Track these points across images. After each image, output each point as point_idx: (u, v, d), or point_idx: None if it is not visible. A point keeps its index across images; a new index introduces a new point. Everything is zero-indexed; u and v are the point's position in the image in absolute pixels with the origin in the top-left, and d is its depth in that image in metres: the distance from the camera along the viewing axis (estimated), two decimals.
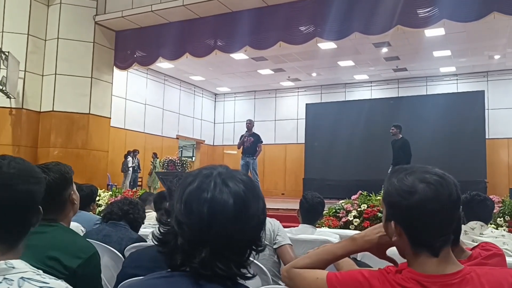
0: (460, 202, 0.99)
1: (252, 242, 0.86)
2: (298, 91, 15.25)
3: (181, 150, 18.10)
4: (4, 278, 0.86)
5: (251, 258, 0.88)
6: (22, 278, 0.88)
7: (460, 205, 1.00)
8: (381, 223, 1.09)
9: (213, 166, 0.90)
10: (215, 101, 16.80)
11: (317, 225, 3.14)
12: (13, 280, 0.86)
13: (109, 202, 6.49)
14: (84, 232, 2.58)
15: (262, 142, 8.32)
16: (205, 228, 0.81)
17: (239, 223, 0.83)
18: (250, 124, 8.43)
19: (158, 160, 11.98)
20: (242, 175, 0.89)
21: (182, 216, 0.83)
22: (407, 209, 0.97)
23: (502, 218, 4.42)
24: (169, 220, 0.86)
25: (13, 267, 0.88)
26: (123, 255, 2.16)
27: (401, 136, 8.07)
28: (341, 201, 5.19)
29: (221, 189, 0.83)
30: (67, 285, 0.92)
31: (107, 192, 7.29)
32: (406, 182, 0.97)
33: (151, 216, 3.97)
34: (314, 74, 13.68)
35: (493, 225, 4.19)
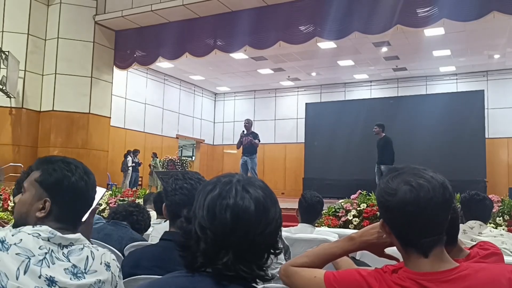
0: (448, 204, 0.99)
1: (271, 246, 0.90)
2: (297, 91, 15.24)
3: (181, 150, 18.12)
4: (84, 245, 1.12)
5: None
6: (87, 245, 1.15)
7: (449, 207, 0.99)
8: (378, 222, 1.10)
9: (230, 174, 0.94)
10: (215, 101, 16.80)
11: (316, 225, 3.15)
12: (89, 245, 1.13)
13: (109, 202, 6.54)
14: None
15: (259, 140, 8.31)
16: (228, 233, 0.84)
17: (260, 227, 0.86)
18: (248, 123, 8.44)
19: (158, 159, 11.98)
20: (259, 182, 0.93)
21: (205, 222, 0.86)
22: (389, 209, 0.99)
23: (501, 218, 4.42)
24: (190, 226, 0.90)
25: (80, 238, 1.14)
26: (123, 255, 2.16)
27: (383, 134, 8.22)
28: (340, 201, 5.19)
29: (242, 195, 0.87)
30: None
31: (107, 192, 7.29)
32: (390, 184, 0.99)
33: (151, 215, 3.98)
34: (313, 74, 13.68)
35: (492, 224, 4.20)
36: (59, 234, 1.08)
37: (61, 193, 1.13)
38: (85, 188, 1.16)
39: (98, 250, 1.14)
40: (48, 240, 1.06)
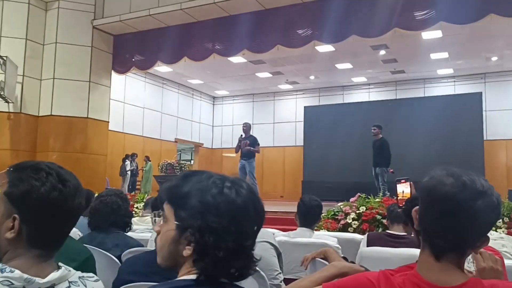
0: (480, 220, 0.92)
1: None
2: (296, 94, 15.27)
3: (180, 154, 18.09)
4: (70, 282, 0.95)
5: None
6: (80, 277, 0.98)
7: (480, 223, 0.93)
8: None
9: (212, 174, 0.90)
10: (213, 104, 16.81)
11: (315, 228, 3.14)
12: (76, 281, 0.96)
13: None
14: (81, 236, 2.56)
15: (258, 144, 8.31)
16: (256, 230, 0.86)
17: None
18: (246, 127, 8.43)
19: (150, 163, 11.95)
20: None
21: (245, 220, 0.84)
22: (422, 189, 0.99)
23: (501, 220, 4.42)
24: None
25: (70, 270, 0.97)
26: (121, 261, 2.14)
27: (381, 136, 8.21)
28: (339, 204, 5.19)
29: (251, 191, 0.88)
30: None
31: None
32: (440, 172, 0.97)
33: (149, 220, 3.95)
34: (312, 77, 13.70)
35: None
36: (37, 279, 0.87)
37: (29, 209, 0.91)
38: (60, 200, 0.93)
39: (86, 285, 0.96)
40: None
